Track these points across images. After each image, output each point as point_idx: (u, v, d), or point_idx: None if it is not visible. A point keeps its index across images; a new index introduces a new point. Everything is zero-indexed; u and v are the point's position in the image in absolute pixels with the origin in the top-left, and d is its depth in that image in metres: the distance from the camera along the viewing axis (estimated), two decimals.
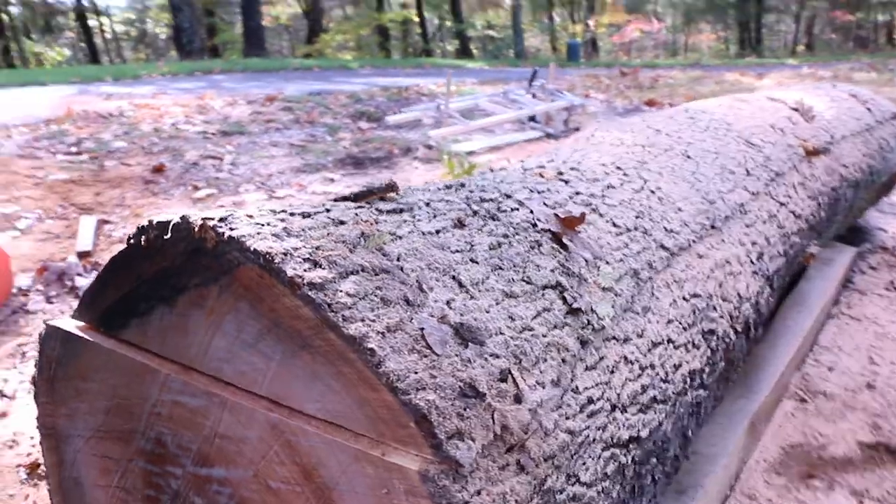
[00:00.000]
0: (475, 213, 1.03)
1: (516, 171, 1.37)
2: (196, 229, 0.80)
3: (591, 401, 0.92)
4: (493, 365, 0.79)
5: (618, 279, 1.09)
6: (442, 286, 0.84)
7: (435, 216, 0.98)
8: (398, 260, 0.83)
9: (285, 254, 0.76)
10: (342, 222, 0.87)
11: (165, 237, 0.83)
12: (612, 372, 0.99)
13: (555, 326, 0.92)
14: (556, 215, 1.09)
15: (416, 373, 0.71)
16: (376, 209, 0.95)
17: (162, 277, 0.86)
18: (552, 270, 0.99)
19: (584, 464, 0.89)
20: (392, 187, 0.99)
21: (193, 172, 5.06)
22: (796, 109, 2.64)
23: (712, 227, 1.49)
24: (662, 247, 1.28)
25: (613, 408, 0.97)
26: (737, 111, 2.26)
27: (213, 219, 0.80)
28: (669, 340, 1.17)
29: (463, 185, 1.15)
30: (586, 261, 1.07)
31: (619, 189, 1.35)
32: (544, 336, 0.89)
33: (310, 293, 0.73)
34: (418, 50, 34.66)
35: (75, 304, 1.08)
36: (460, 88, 9.29)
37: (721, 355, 1.41)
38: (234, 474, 0.84)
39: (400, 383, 0.70)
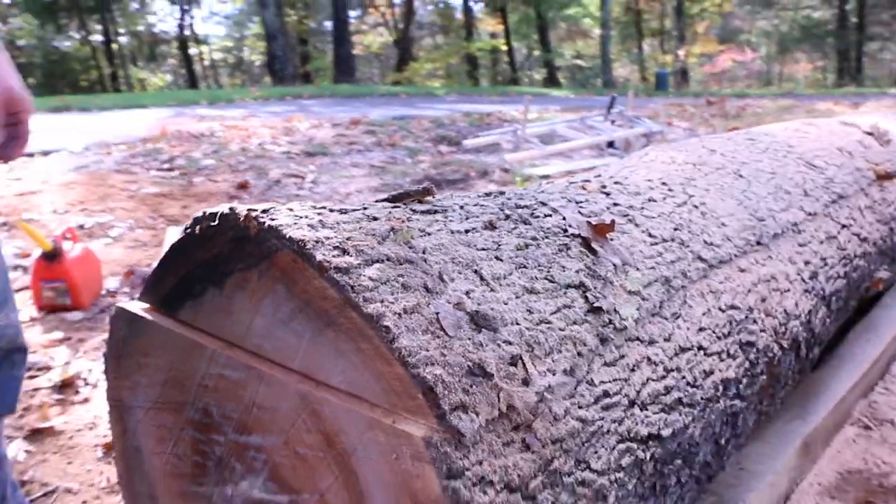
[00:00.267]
0: (507, 217, 1.10)
1: (561, 183, 1.42)
2: (241, 219, 0.90)
3: (606, 394, 0.97)
4: (505, 350, 0.85)
5: (646, 285, 1.14)
6: (463, 278, 0.90)
7: (467, 218, 1.05)
8: (423, 253, 0.90)
9: (317, 241, 0.84)
10: (375, 218, 0.95)
11: (215, 226, 0.92)
12: (633, 370, 1.03)
13: (574, 322, 0.97)
14: (588, 222, 1.14)
15: (427, 350, 0.78)
16: (411, 209, 1.03)
17: (213, 263, 0.96)
18: (577, 272, 1.04)
19: (595, 452, 0.93)
20: (428, 191, 1.07)
21: (276, 190, 5.27)
22: (870, 133, 2.60)
23: (758, 243, 1.50)
24: (700, 258, 1.31)
25: (632, 404, 1.01)
26: (802, 134, 2.26)
27: (256, 210, 0.89)
28: (700, 347, 1.20)
29: (502, 194, 1.22)
30: (615, 266, 1.11)
31: (660, 202, 1.39)
32: (561, 330, 0.94)
33: (335, 276, 0.81)
34: (506, 78, 34.92)
35: None
36: (542, 115, 9.36)
37: (763, 368, 1.43)
38: (268, 441, 0.92)
39: (411, 358, 0.77)
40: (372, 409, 0.80)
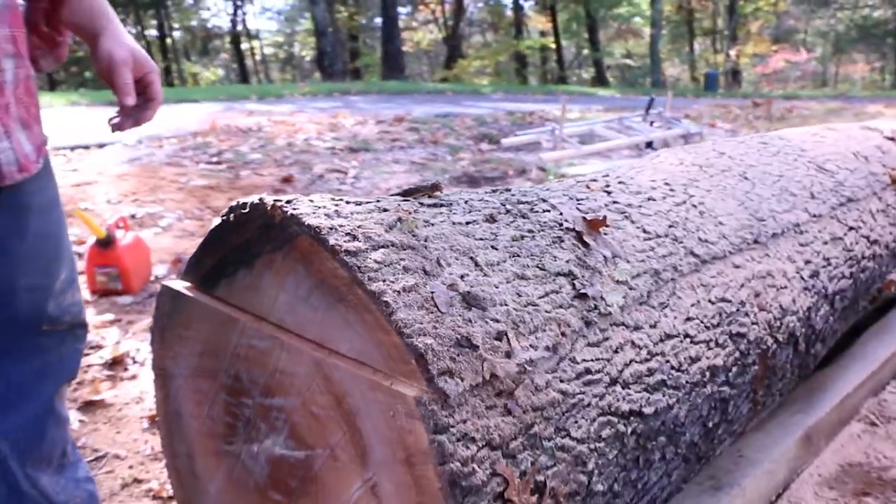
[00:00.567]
0: (508, 211, 1.22)
1: (567, 182, 1.54)
2: (268, 208, 1.03)
3: (588, 371, 1.08)
4: (492, 327, 0.97)
5: (635, 276, 1.25)
6: (459, 264, 1.03)
7: (470, 211, 1.17)
8: (425, 241, 1.03)
9: (331, 228, 0.98)
10: (385, 210, 1.08)
11: (247, 213, 1.06)
12: (616, 352, 1.15)
13: (560, 306, 1.09)
14: (583, 217, 1.26)
15: (420, 323, 0.91)
16: (419, 202, 1.15)
17: (244, 246, 1.10)
18: (567, 262, 1.16)
19: (576, 422, 1.05)
20: (436, 187, 1.19)
21: (319, 184, 5.44)
22: (892, 139, 2.66)
23: (756, 241, 1.60)
24: (692, 254, 1.41)
25: (614, 382, 1.13)
26: (818, 139, 2.33)
27: (281, 200, 1.03)
28: (687, 335, 1.31)
29: (508, 191, 1.34)
30: (605, 257, 1.23)
31: (658, 201, 1.50)
32: (547, 312, 1.06)
33: (345, 258, 0.94)
34: (555, 77, 34.81)
35: None
36: (584, 115, 9.42)
37: (755, 359, 1.52)
38: (288, 403, 1.06)
39: (406, 329, 0.90)
40: (374, 373, 0.93)
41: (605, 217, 1.25)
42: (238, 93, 15.69)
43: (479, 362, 0.93)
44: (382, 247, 0.98)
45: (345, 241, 0.96)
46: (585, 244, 1.22)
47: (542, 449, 1.00)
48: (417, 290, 0.94)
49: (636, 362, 1.18)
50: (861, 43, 36.64)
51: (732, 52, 32.81)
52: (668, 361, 1.25)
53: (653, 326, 1.24)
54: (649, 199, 1.49)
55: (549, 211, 1.27)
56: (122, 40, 1.34)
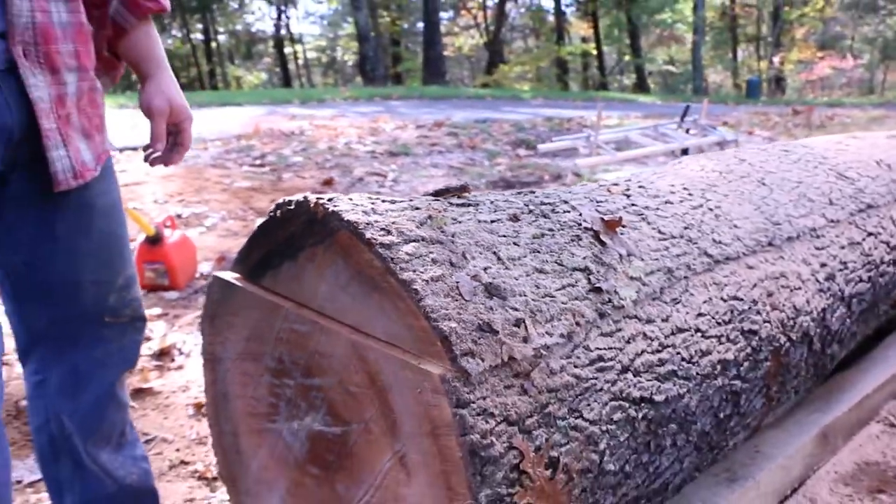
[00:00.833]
0: (530, 211, 1.32)
1: (589, 185, 1.63)
2: (312, 205, 1.15)
3: (601, 358, 1.18)
4: (511, 314, 1.08)
5: (648, 273, 1.34)
6: (483, 258, 1.14)
7: (495, 211, 1.28)
8: (452, 236, 1.14)
9: (368, 223, 1.09)
10: (417, 208, 1.19)
11: (292, 210, 1.18)
12: (629, 342, 1.24)
13: (575, 298, 1.19)
14: (601, 218, 1.35)
15: (446, 309, 1.02)
16: (448, 202, 1.26)
17: (289, 240, 1.21)
18: (584, 258, 1.26)
19: (588, 405, 1.15)
20: (465, 188, 1.30)
21: (359, 187, 5.58)
22: None
23: (770, 244, 1.68)
24: (706, 254, 1.50)
25: (625, 369, 1.22)
26: (842, 147, 2.39)
27: (323, 198, 1.14)
28: (698, 330, 1.40)
29: (532, 192, 1.44)
30: (620, 255, 1.32)
31: (675, 205, 1.58)
32: (563, 304, 1.16)
33: (380, 250, 1.05)
34: (596, 83, 34.71)
35: None
36: (622, 122, 9.46)
37: (767, 356, 1.60)
38: (326, 382, 1.17)
39: (433, 314, 1.00)
40: (404, 353, 1.04)
41: (621, 218, 1.35)
42: (281, 97, 15.97)
43: (498, 345, 1.03)
44: (413, 241, 1.09)
45: (380, 236, 1.07)
46: (602, 243, 1.32)
47: (556, 427, 1.09)
48: (444, 280, 1.05)
49: (647, 353, 1.27)
50: None
51: (776, 59, 32.45)
52: (678, 353, 1.34)
53: (664, 320, 1.33)
54: (667, 202, 1.58)
55: (569, 212, 1.37)
56: (164, 89, 1.50)
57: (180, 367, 2.84)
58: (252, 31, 40.17)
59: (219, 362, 1.46)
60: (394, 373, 1.05)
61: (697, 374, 1.39)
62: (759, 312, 1.57)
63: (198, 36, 36.49)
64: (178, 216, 4.77)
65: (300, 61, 41.53)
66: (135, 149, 7.04)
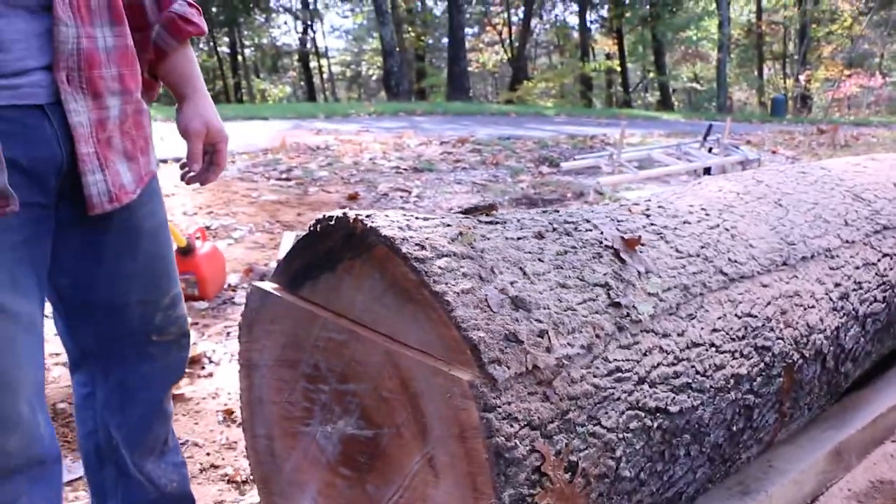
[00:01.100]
0: (554, 229, 1.40)
1: (611, 206, 1.71)
2: (351, 221, 1.23)
3: (619, 369, 1.25)
4: (535, 326, 1.15)
5: (665, 289, 1.41)
6: (509, 272, 1.21)
7: (521, 228, 1.36)
8: (481, 252, 1.22)
9: (403, 239, 1.17)
10: (448, 225, 1.27)
11: (332, 225, 1.26)
12: (646, 355, 1.31)
13: (595, 312, 1.26)
14: (621, 237, 1.43)
15: (475, 320, 1.09)
16: (478, 220, 1.34)
17: (328, 253, 1.30)
18: (605, 275, 1.34)
19: (606, 413, 1.22)
20: (493, 207, 1.38)
21: (383, 202, 5.68)
22: None
23: (784, 263, 1.74)
24: (721, 272, 1.57)
25: (642, 381, 1.29)
26: (860, 169, 2.45)
27: (361, 215, 1.23)
28: (712, 344, 1.46)
29: (556, 211, 1.52)
30: (639, 272, 1.40)
31: (693, 224, 1.66)
32: (584, 317, 1.24)
33: (415, 264, 1.13)
34: (620, 100, 34.72)
35: None
36: (644, 140, 9.52)
37: (780, 371, 1.66)
38: (360, 388, 1.25)
39: (463, 324, 1.08)
40: (435, 361, 1.11)
41: (640, 237, 1.42)
42: (306, 111, 16.16)
43: (523, 354, 1.11)
44: (446, 256, 1.17)
45: (415, 250, 1.15)
46: (622, 260, 1.39)
47: (575, 433, 1.17)
48: (474, 293, 1.13)
49: (663, 365, 1.34)
50: None
51: (802, 77, 32.30)
52: (693, 367, 1.40)
53: (680, 335, 1.40)
54: (685, 222, 1.65)
55: (591, 230, 1.44)
56: (201, 111, 1.53)
57: (210, 375, 2.94)
58: (278, 45, 40.63)
59: (255, 368, 1.55)
60: (425, 379, 1.13)
61: (711, 387, 1.45)
62: (772, 329, 1.63)
63: (224, 49, 36.97)
64: (207, 228, 4.88)
65: (325, 75, 41.90)
66: (164, 161, 7.19)
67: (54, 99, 1.21)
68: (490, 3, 38.32)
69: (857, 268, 2.00)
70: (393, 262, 1.17)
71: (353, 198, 5.77)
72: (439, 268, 1.14)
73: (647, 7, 30.47)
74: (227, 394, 2.70)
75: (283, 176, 6.73)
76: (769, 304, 1.64)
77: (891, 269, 2.15)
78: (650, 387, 1.31)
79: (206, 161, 1.59)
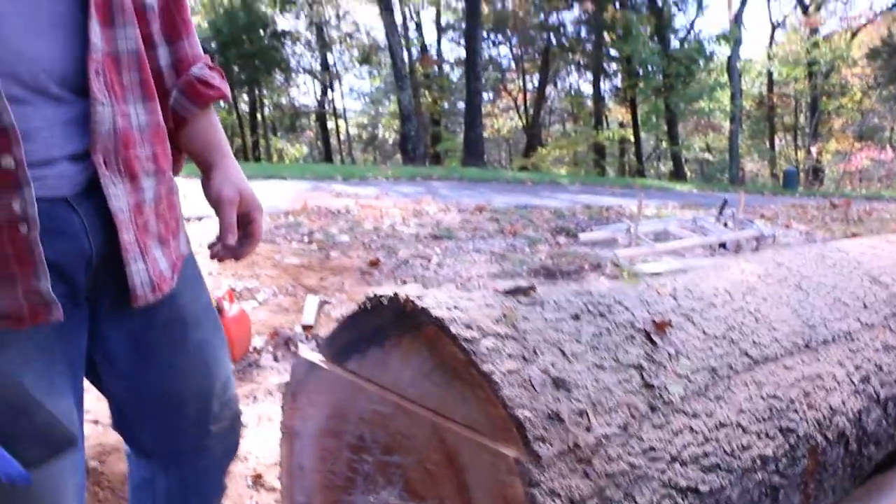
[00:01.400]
0: (589, 311, 1.47)
1: (640, 286, 1.79)
2: (402, 301, 1.31)
3: (652, 449, 1.31)
4: (575, 405, 1.22)
5: (694, 371, 1.48)
6: (550, 353, 1.29)
7: (558, 309, 1.43)
8: (523, 333, 1.29)
9: (452, 320, 1.25)
10: (491, 306, 1.35)
11: (383, 304, 1.35)
12: (677, 434, 1.37)
13: (630, 392, 1.33)
14: (652, 320, 1.50)
15: (520, 399, 1.16)
16: (518, 300, 1.42)
17: (377, 329, 1.37)
18: (637, 356, 1.41)
19: (640, 490, 1.28)
20: (532, 288, 1.46)
21: (403, 269, 5.77)
22: None
23: (806, 346, 1.81)
24: (746, 354, 1.63)
25: (674, 460, 1.35)
26: (877, 251, 2.52)
27: (412, 295, 1.31)
28: (739, 425, 1.52)
29: (590, 293, 1.60)
30: (669, 354, 1.47)
31: (718, 307, 1.73)
32: (620, 397, 1.31)
33: (463, 344, 1.21)
34: (633, 169, 35.03)
35: None
36: (660, 211, 9.65)
37: (804, 453, 1.71)
38: (406, 460, 1.31)
39: (510, 403, 1.15)
40: (482, 437, 1.18)
41: (670, 320, 1.50)
42: (324, 172, 16.41)
43: (565, 433, 1.17)
44: (491, 336, 1.25)
45: (463, 331, 1.23)
46: (653, 342, 1.46)
47: None
48: (518, 373, 1.20)
49: (693, 445, 1.40)
50: None
51: (814, 149, 32.59)
52: (721, 447, 1.46)
53: (709, 415, 1.46)
54: (710, 304, 1.73)
55: (623, 312, 1.52)
56: (232, 177, 1.39)
57: None
58: (296, 105, 41.39)
59: (297, 436, 1.61)
60: (471, 454, 1.19)
61: (738, 467, 1.51)
62: (796, 411, 1.69)
63: (244, 107, 37.70)
64: (232, 290, 4.97)
65: (342, 136, 42.55)
66: (187, 219, 7.34)
67: (80, 189, 1.12)
68: (506, 69, 39.08)
69: (877, 350, 2.06)
70: (442, 341, 1.24)
71: (374, 264, 5.86)
72: (486, 348, 1.22)
73: (661, 78, 30.97)
74: (256, 458, 2.74)
75: (305, 239, 6.85)
76: (792, 385, 1.70)
77: None
78: (681, 466, 1.37)
79: (238, 234, 1.40)
